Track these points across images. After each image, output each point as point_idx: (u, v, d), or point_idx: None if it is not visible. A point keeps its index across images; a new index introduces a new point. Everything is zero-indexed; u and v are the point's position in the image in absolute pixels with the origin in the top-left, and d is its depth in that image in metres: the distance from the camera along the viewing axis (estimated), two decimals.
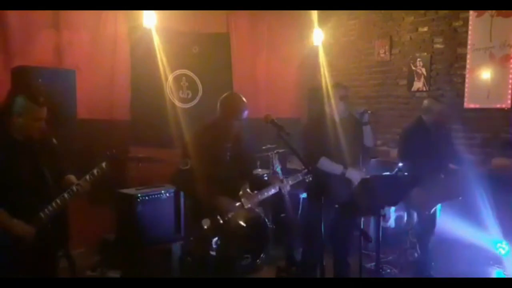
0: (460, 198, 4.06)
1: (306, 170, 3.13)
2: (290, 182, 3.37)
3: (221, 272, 2.95)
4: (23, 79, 3.75)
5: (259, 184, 3.30)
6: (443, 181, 3.94)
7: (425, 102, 4.02)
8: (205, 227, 2.87)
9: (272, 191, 3.25)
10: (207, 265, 2.97)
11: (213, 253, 2.89)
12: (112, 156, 2.71)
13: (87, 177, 2.65)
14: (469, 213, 4.17)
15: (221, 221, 2.92)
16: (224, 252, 2.92)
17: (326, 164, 3.37)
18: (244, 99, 3.05)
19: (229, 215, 2.96)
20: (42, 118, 2.60)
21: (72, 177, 2.76)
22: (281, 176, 4.08)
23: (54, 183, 2.67)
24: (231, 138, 3.07)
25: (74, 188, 2.62)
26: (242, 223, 3.04)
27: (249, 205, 3.10)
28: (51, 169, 2.67)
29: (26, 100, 2.55)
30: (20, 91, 2.75)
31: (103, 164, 2.67)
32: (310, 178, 3.28)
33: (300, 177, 3.38)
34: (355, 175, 3.33)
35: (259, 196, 3.20)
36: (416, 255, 4.26)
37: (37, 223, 2.55)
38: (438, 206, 4.09)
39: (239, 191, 3.11)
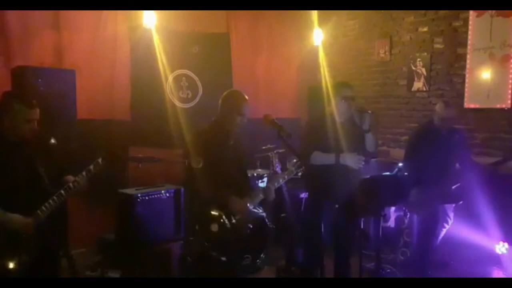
0: (461, 202, 4.03)
1: (298, 162, 3.04)
2: (286, 177, 3.26)
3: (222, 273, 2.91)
4: (23, 79, 3.75)
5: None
6: (445, 185, 3.91)
7: (437, 106, 3.98)
8: (214, 230, 2.83)
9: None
10: (208, 265, 2.93)
11: (214, 253, 2.85)
12: (109, 152, 2.72)
13: (84, 173, 2.67)
14: (470, 213, 4.17)
15: (229, 225, 2.87)
16: (226, 253, 2.88)
17: (318, 157, 3.29)
18: (245, 95, 3.06)
19: (238, 217, 2.91)
20: (34, 120, 2.63)
21: (70, 177, 2.77)
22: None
23: (51, 182, 2.67)
24: (234, 136, 3.06)
25: (71, 184, 2.64)
26: (249, 225, 3.00)
27: (253, 206, 3.04)
28: (48, 169, 2.68)
29: (18, 103, 2.58)
30: (12, 93, 2.80)
31: (100, 160, 2.68)
32: (300, 172, 3.16)
33: (294, 171, 3.22)
34: (351, 159, 3.23)
35: (261, 195, 3.13)
36: (408, 254, 4.27)
37: (35, 220, 2.55)
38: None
39: (243, 191, 3.04)
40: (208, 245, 2.87)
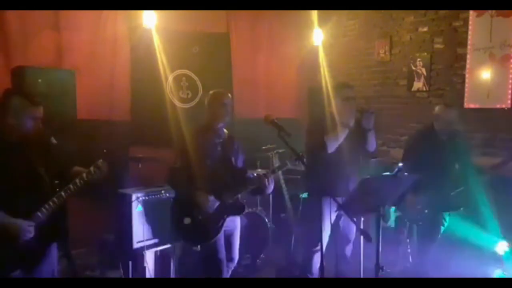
0: (461, 209, 3.95)
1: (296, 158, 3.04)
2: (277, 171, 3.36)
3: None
4: (23, 79, 3.75)
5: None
6: (445, 192, 3.79)
7: (436, 108, 3.81)
8: (186, 223, 3.09)
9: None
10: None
11: (196, 248, 3.08)
12: (109, 153, 2.72)
13: (84, 175, 2.65)
14: (470, 213, 4.16)
15: (200, 217, 3.07)
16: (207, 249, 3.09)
17: (331, 139, 3.32)
18: (225, 92, 3.26)
19: (207, 210, 3.06)
20: (39, 118, 2.59)
21: (79, 168, 2.76)
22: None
23: (52, 182, 2.66)
24: (224, 134, 3.24)
25: (71, 186, 2.63)
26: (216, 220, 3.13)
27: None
28: (49, 169, 2.67)
29: (22, 100, 2.54)
30: (15, 91, 2.75)
31: (100, 162, 2.67)
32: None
33: (288, 163, 3.25)
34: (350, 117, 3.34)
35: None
36: (407, 254, 4.25)
37: (35, 221, 2.54)
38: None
39: (228, 189, 3.16)
40: (182, 237, 3.20)
